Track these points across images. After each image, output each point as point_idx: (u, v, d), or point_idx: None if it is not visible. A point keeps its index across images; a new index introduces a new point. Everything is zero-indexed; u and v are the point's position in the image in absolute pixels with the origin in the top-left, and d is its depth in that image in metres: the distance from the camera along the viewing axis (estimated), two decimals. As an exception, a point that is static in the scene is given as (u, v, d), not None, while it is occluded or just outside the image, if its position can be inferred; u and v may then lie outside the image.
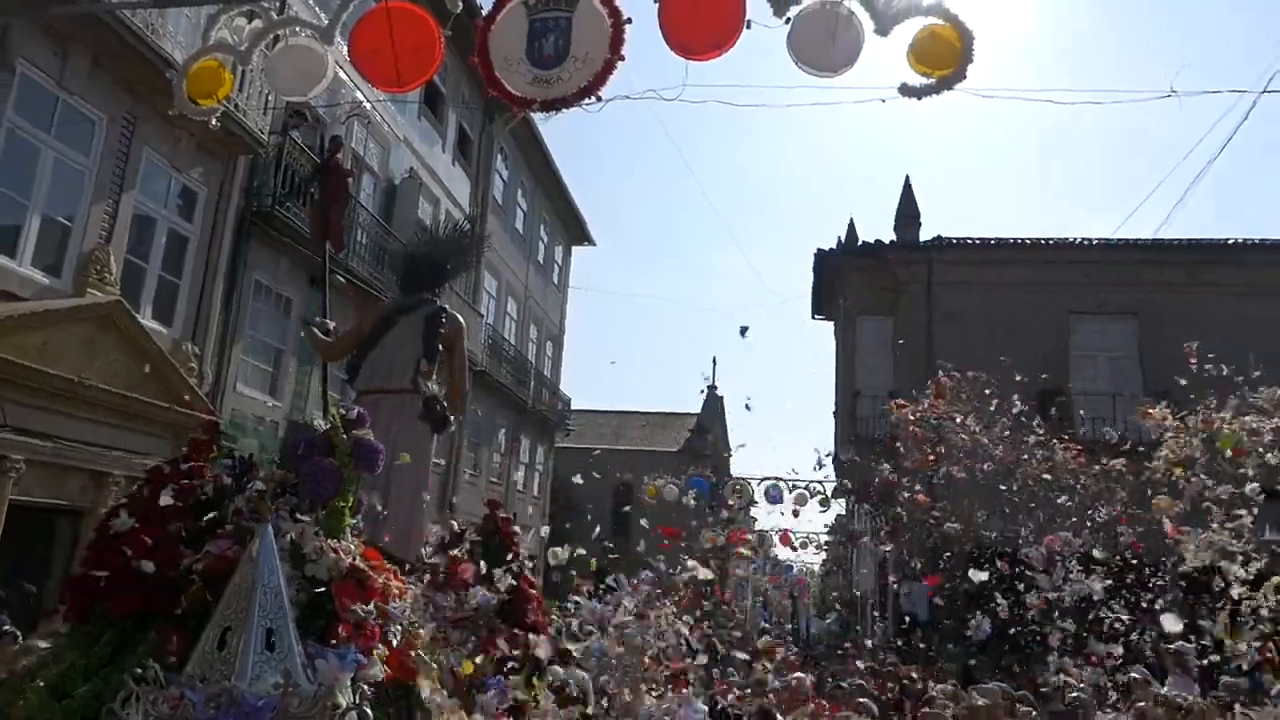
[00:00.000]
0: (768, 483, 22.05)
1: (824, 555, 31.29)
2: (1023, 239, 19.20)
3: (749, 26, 5.34)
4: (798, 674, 6.99)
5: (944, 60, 5.16)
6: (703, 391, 37.69)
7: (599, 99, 5.69)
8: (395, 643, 3.09)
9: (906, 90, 5.21)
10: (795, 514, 20.12)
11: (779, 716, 5.89)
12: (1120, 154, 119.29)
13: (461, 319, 5.13)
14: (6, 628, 6.98)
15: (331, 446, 3.30)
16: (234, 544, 3.01)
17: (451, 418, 4.92)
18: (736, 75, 6.67)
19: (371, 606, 3.02)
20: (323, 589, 2.97)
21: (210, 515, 3.29)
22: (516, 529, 4.60)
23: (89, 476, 9.55)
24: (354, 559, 3.14)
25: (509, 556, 4.33)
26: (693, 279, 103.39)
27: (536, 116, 21.53)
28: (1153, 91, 4.79)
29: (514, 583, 4.18)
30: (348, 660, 2.06)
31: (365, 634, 2.96)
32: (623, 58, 5.61)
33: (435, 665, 3.29)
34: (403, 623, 3.16)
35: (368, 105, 14.94)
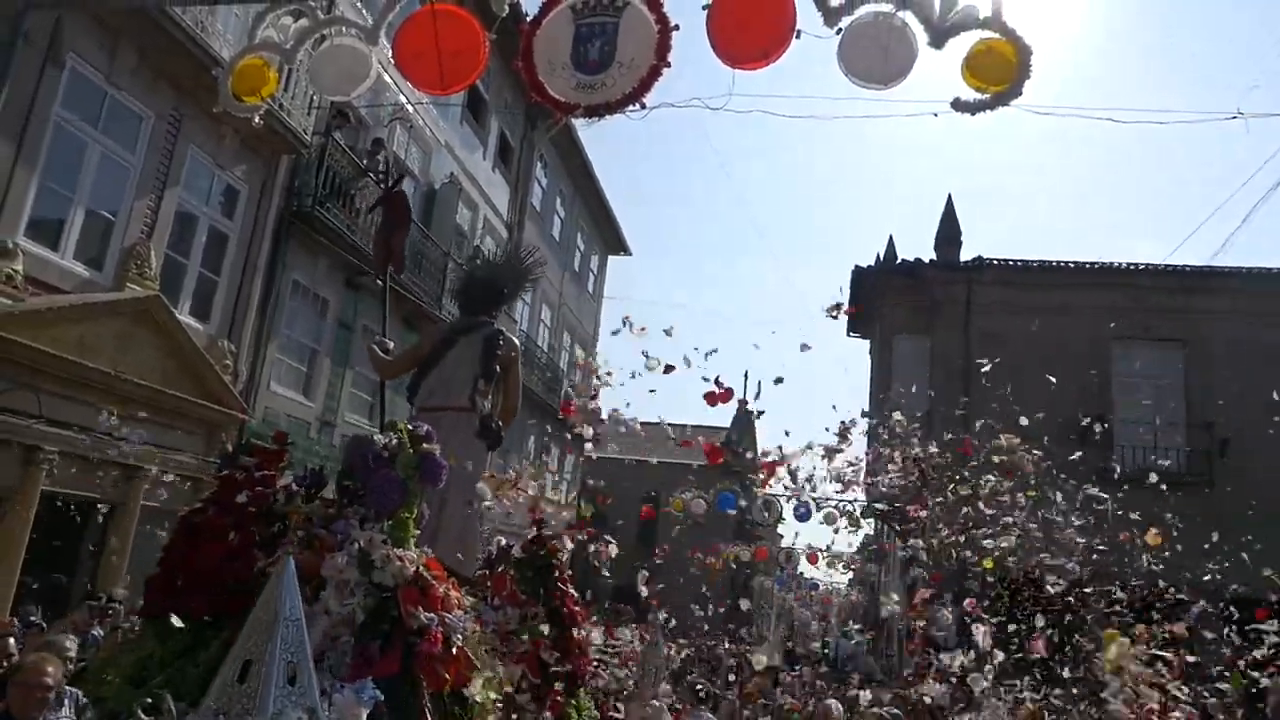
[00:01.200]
0: (796, 501, 21.83)
1: (851, 574, 30.94)
2: (1065, 262, 18.87)
3: (798, 36, 5.24)
4: (830, 700, 6.84)
5: (999, 75, 5.03)
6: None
7: (643, 106, 5.61)
8: (455, 650, 3.24)
9: (960, 105, 5.08)
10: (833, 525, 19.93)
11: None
12: (1177, 175, 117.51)
13: (517, 341, 5.27)
14: (33, 619, 7.01)
15: (393, 460, 3.46)
16: (304, 550, 3.21)
17: (504, 436, 5.12)
18: (784, 86, 6.57)
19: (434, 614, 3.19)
20: (388, 595, 3.13)
21: (281, 522, 3.49)
22: (564, 546, 4.72)
23: (121, 470, 9.58)
24: (418, 567, 3.29)
25: (554, 574, 4.46)
26: (731, 292, 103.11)
27: (578, 123, 21.57)
28: (1218, 112, 4.61)
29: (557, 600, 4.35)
30: (365, 696, 2.02)
31: (428, 639, 3.11)
32: (669, 64, 5.53)
33: (489, 673, 3.44)
34: (463, 631, 3.30)
35: (410, 109, 14.99)
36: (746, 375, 49.81)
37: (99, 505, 9.44)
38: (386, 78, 13.23)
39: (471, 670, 3.29)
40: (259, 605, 1.95)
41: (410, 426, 3.58)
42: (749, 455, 22.40)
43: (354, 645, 2.97)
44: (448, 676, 3.15)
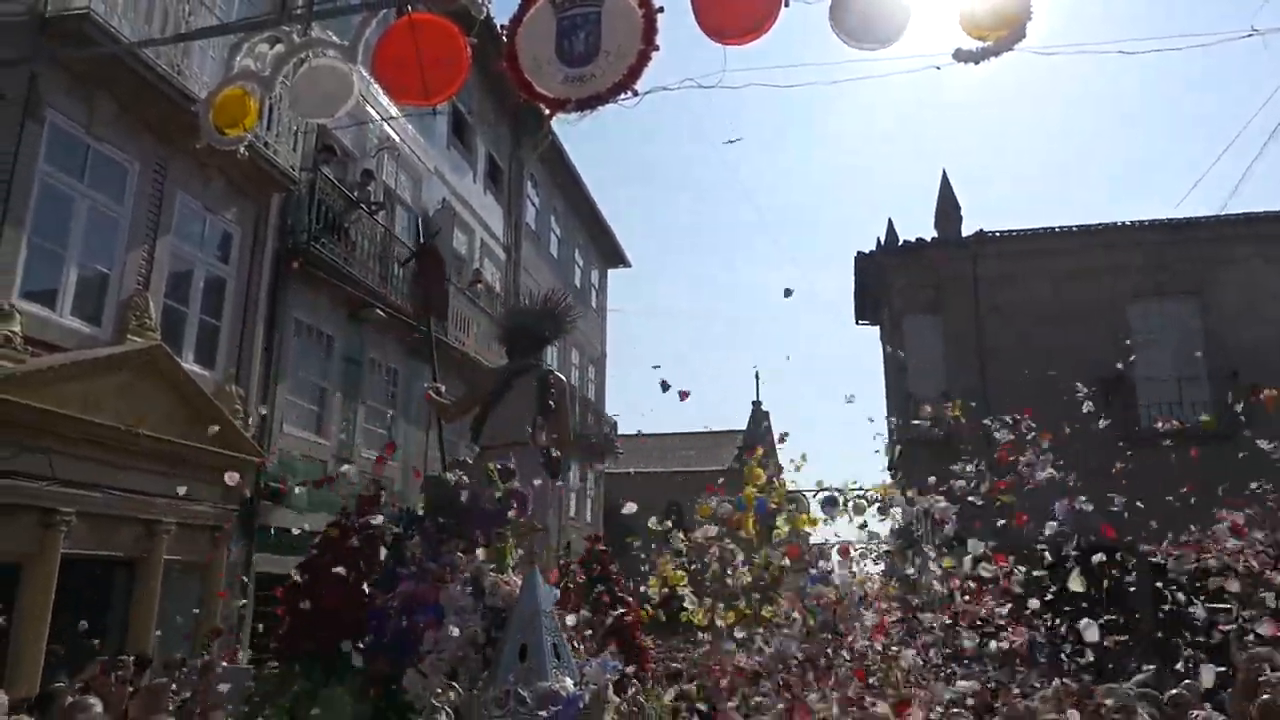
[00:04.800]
0: (824, 494, 21.60)
1: (883, 566, 30.60)
2: (1069, 226, 18.69)
3: (787, 4, 5.09)
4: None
5: (1000, 20, 4.86)
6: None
7: (635, 93, 5.47)
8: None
9: (962, 55, 4.90)
10: (863, 526, 19.64)
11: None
12: (1179, 127, 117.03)
13: (564, 379, 5.85)
14: (59, 685, 6.84)
15: (473, 496, 3.96)
16: (420, 583, 3.66)
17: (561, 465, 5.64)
18: (778, 61, 6.41)
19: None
20: (503, 614, 3.38)
21: (392, 559, 3.97)
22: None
23: (141, 526, 9.43)
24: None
25: (613, 584, 5.08)
26: (732, 293, 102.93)
27: (564, 136, 21.42)
28: (1231, 32, 4.42)
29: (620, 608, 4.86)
30: (609, 667, 2.52)
31: None
32: (657, 48, 5.39)
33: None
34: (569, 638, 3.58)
35: (396, 138, 14.91)
36: (757, 375, 49.73)
37: (121, 563, 9.32)
38: (369, 109, 13.15)
39: None
40: (519, 604, 2.52)
41: (497, 465, 4.05)
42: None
43: (481, 660, 3.26)
44: None
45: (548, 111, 5.93)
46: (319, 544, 4.15)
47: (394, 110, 14.17)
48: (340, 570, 3.94)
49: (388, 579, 3.85)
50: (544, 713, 2.11)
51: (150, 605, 9.46)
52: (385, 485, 13.94)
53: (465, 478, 4.08)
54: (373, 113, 13.28)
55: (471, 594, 3.48)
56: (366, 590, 3.85)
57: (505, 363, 6.08)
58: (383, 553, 4.08)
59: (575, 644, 3.75)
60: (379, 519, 4.18)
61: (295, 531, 5.97)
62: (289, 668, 3.83)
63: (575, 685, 2.30)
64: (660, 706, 4.29)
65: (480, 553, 3.74)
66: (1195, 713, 4.97)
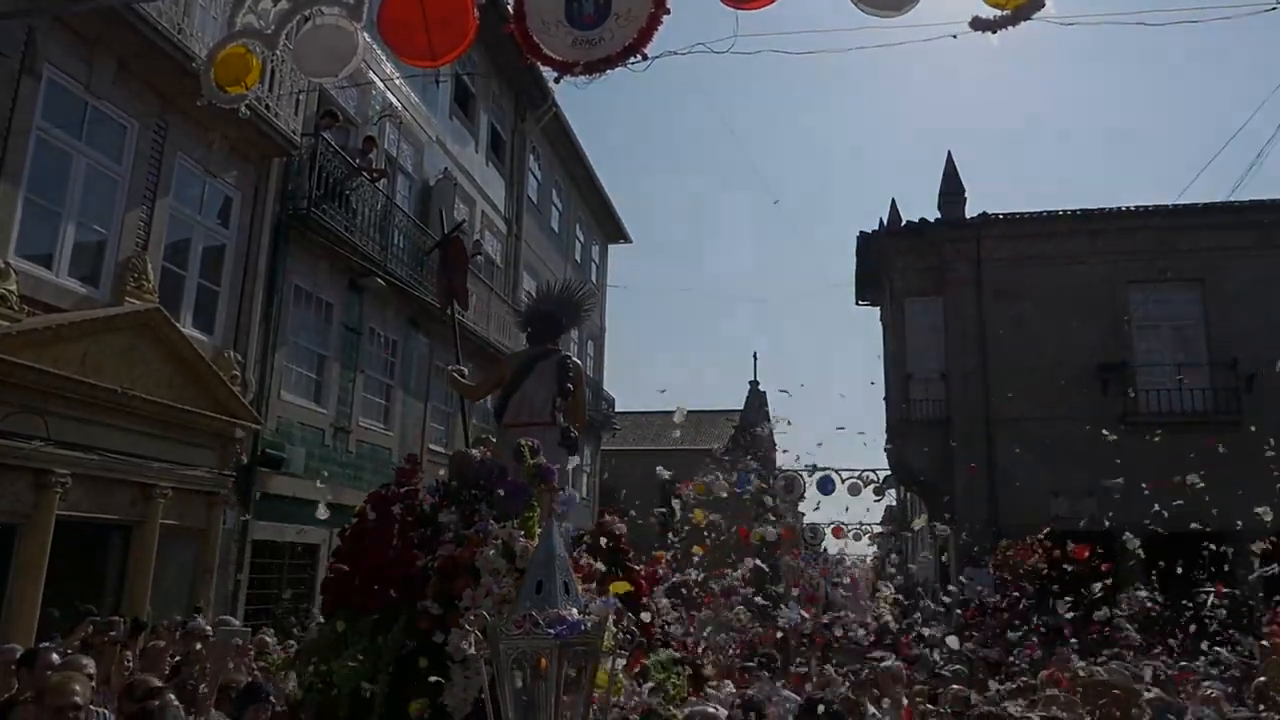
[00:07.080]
0: (819, 474, 21.60)
1: (875, 547, 30.72)
2: (1073, 210, 18.61)
3: (802, -32, 4.99)
4: (898, 660, 6.62)
5: (1018, -13, 4.77)
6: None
7: (644, 57, 5.39)
8: None
9: (979, 24, 4.82)
10: (866, 493, 19.80)
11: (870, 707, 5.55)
12: (1184, 117, 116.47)
13: (580, 363, 6.21)
14: (46, 643, 6.79)
15: (501, 470, 4.35)
16: (458, 547, 3.95)
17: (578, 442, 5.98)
18: (789, 28, 6.30)
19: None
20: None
21: (431, 525, 4.29)
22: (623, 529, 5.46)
23: (137, 489, 9.38)
24: None
25: (621, 550, 5.13)
26: (731, 272, 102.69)
27: (564, 104, 21.22)
28: (1252, 6, 4.34)
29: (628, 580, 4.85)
30: (610, 604, 2.91)
31: None
32: (668, 11, 5.31)
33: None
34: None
35: (398, 105, 14.77)
36: (756, 356, 49.67)
37: (117, 526, 9.29)
38: (373, 76, 13.01)
39: None
40: (538, 549, 2.85)
41: (530, 443, 4.26)
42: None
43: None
44: None
45: (554, 75, 5.86)
46: (360, 511, 4.52)
47: (397, 77, 14.03)
48: (386, 530, 4.28)
49: (427, 543, 4.17)
50: (553, 631, 2.52)
51: (146, 570, 9.43)
52: (383, 457, 13.76)
53: (490, 454, 4.51)
54: (375, 78, 13.15)
55: (504, 558, 3.80)
56: (409, 551, 4.15)
57: (525, 347, 6.35)
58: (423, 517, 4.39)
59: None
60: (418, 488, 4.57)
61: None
62: (337, 620, 4.16)
63: (580, 613, 2.67)
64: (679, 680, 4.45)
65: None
66: (1207, 688, 4.97)
